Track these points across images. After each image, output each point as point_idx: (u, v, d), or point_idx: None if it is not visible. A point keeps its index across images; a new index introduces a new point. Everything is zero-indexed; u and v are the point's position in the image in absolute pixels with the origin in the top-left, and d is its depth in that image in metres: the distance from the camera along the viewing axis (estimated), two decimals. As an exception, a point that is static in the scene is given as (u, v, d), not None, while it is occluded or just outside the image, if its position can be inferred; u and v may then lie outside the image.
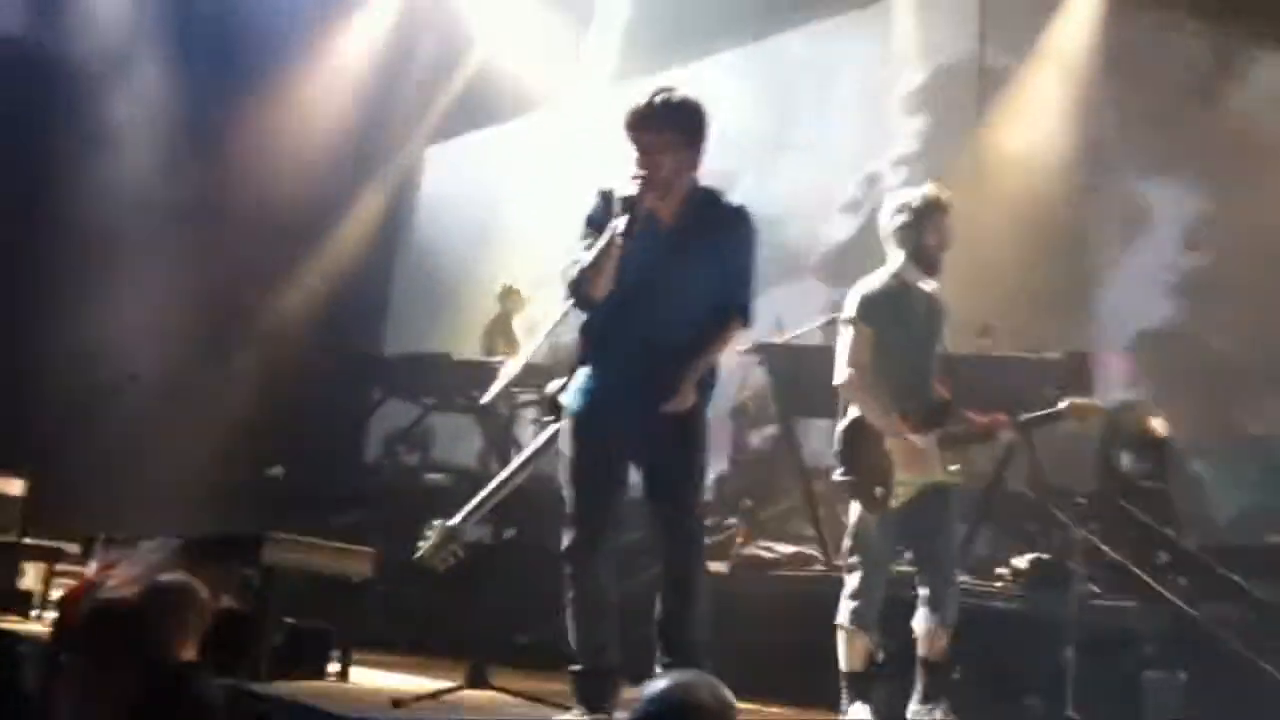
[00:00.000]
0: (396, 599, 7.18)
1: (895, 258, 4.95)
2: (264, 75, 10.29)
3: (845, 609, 4.83)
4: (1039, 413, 5.06)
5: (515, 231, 12.11)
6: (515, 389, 7.85)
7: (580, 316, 4.29)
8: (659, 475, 4.23)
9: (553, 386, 4.40)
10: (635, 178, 4.11)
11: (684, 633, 4.15)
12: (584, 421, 4.21)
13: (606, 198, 4.21)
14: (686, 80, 11.03)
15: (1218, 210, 9.59)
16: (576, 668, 4.20)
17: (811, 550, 6.92)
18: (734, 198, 4.39)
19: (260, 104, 10.40)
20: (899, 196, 5.01)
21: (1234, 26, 10.20)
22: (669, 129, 4.17)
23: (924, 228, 4.88)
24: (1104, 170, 9.77)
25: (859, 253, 8.80)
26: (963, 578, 6.30)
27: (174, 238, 9.36)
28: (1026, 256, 9.02)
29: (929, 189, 4.97)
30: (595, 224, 4.18)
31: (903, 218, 4.92)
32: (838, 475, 4.85)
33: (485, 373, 7.42)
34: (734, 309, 4.29)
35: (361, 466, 9.80)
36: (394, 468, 9.12)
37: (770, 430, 8.44)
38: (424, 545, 4.82)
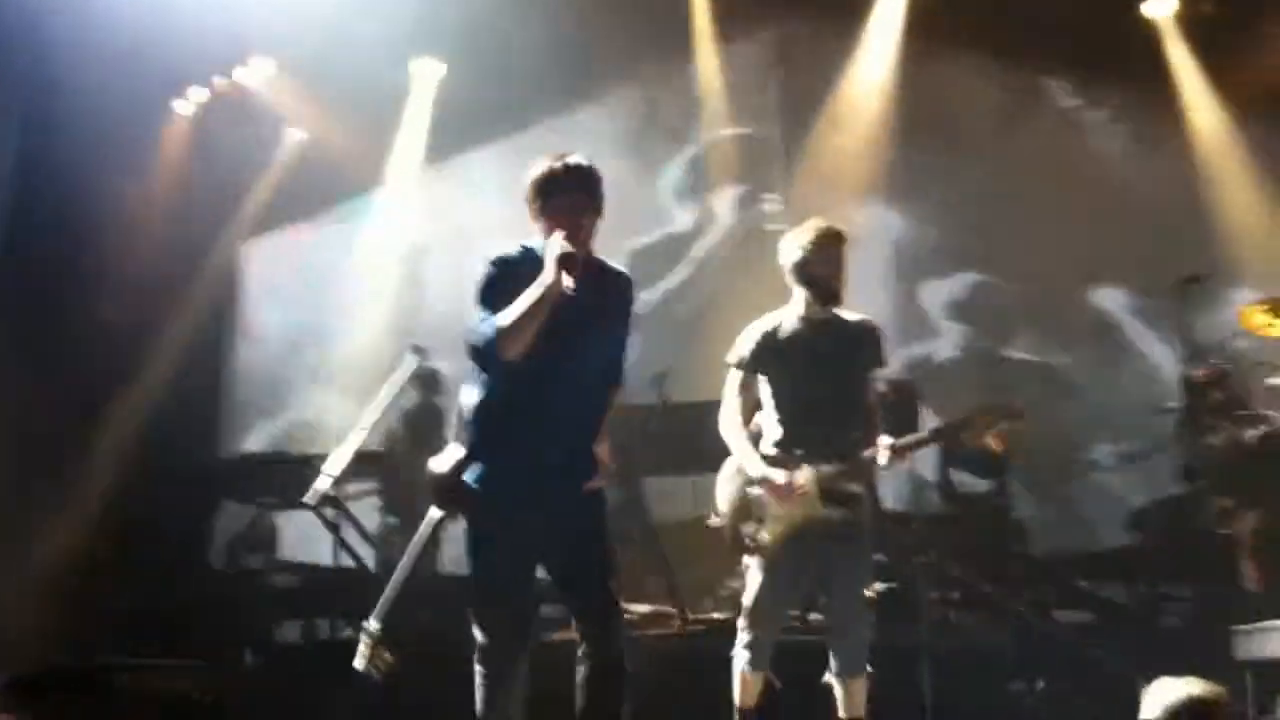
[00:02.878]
0: (249, 708, 6.94)
1: (796, 295, 5.01)
2: (70, 185, 10.00)
3: (738, 649, 4.93)
4: (933, 428, 5.23)
5: (340, 322, 11.99)
6: (346, 480, 7.69)
7: (474, 393, 4.17)
8: (583, 559, 4.13)
9: (439, 466, 4.21)
10: (569, 237, 4.06)
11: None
12: (495, 501, 4.08)
13: (505, 263, 4.15)
14: (501, 155, 11.22)
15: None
16: None
17: (667, 608, 6.87)
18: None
19: (70, 216, 10.10)
20: (789, 234, 5.09)
21: (1023, 64, 10.69)
22: (594, 191, 4.23)
23: (813, 260, 4.93)
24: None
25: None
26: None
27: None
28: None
29: (816, 222, 5.04)
30: (495, 291, 4.09)
31: (792, 253, 4.98)
32: (713, 519, 5.02)
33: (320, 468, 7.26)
34: (617, 374, 4.34)
35: (205, 574, 9.48)
36: (236, 572, 8.86)
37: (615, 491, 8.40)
38: (359, 657, 4.62)
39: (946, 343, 10.78)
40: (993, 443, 7.44)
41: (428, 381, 9.66)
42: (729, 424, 5.01)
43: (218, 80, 11.22)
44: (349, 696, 6.60)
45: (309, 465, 7.77)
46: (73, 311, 9.97)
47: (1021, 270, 10.59)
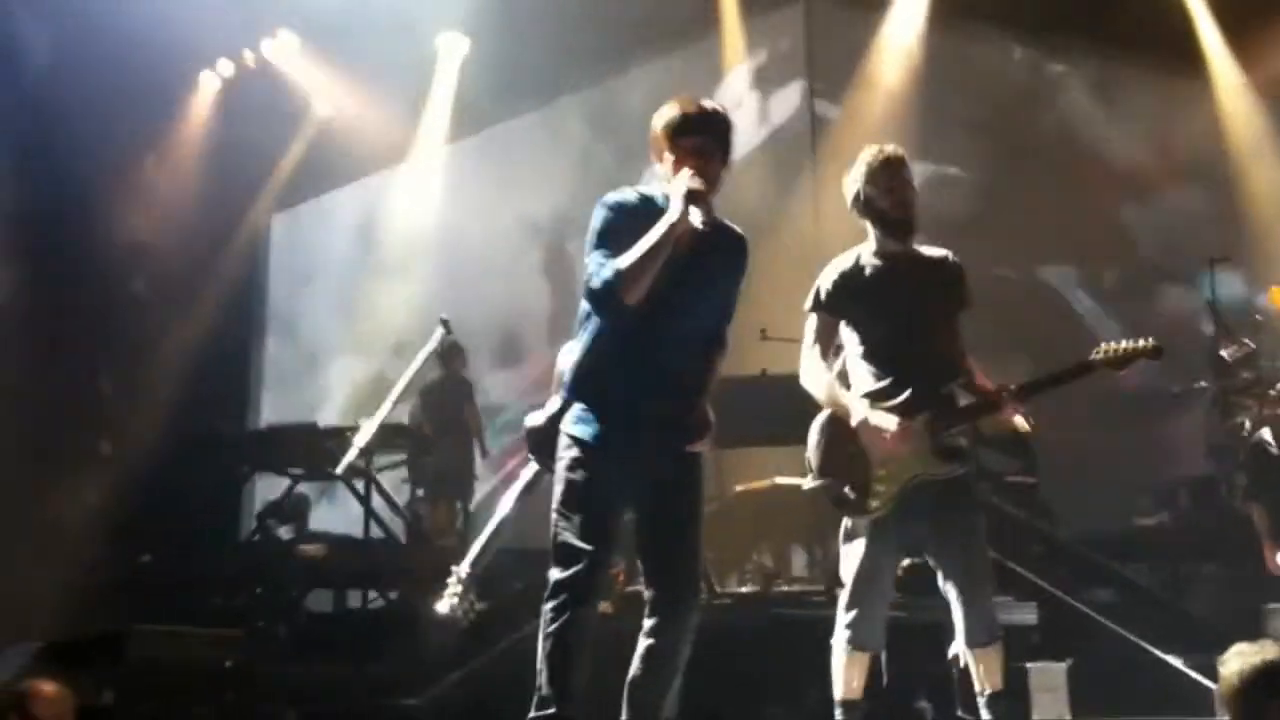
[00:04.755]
0: (280, 677, 6.99)
1: (868, 231, 4.59)
2: (98, 161, 10.04)
3: (838, 628, 4.44)
4: (1083, 361, 4.38)
5: (367, 295, 12.04)
6: (375, 451, 7.75)
7: (577, 346, 4.02)
8: (675, 520, 3.96)
9: (535, 419, 4.11)
10: (696, 175, 3.89)
11: (661, 704, 3.89)
12: (595, 450, 3.92)
13: (622, 207, 4.00)
14: (527, 129, 11.20)
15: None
16: (547, 713, 3.81)
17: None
18: None
19: (98, 189, 10.15)
20: (849, 172, 4.61)
21: (1046, 41, 10.66)
22: (722, 134, 4.06)
23: (873, 192, 4.50)
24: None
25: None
26: (840, 591, 6.41)
27: (16, 330, 9.04)
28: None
29: (869, 149, 4.59)
30: (612, 234, 3.93)
31: (850, 188, 4.56)
32: (808, 481, 4.55)
33: (351, 440, 7.32)
34: (721, 337, 4.13)
35: (234, 544, 9.55)
36: (267, 542, 8.92)
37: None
38: (445, 598, 4.49)
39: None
40: (1020, 423, 7.34)
41: (452, 354, 9.71)
42: (815, 373, 4.51)
43: (244, 54, 11.26)
44: (379, 665, 6.71)
45: (339, 437, 7.84)
46: (102, 285, 10.05)
47: (1037, 245, 10.60)
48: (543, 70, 10.76)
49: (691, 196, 3.85)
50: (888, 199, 4.49)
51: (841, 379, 4.54)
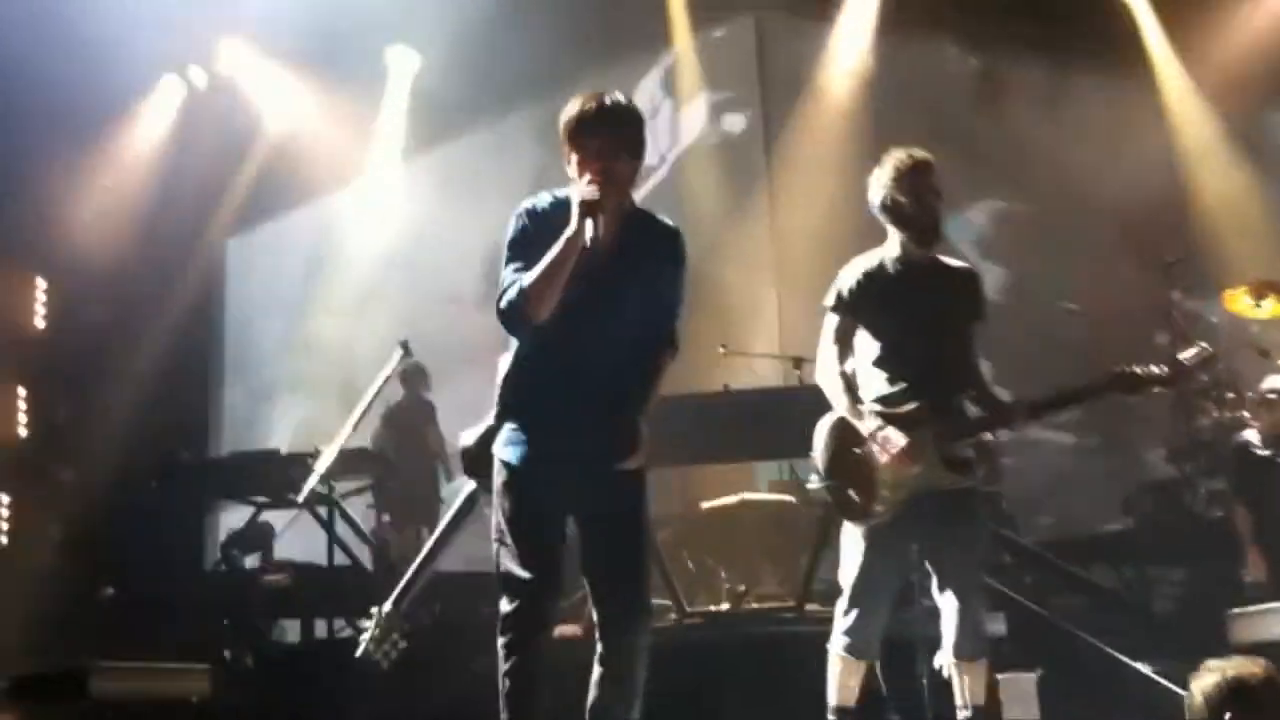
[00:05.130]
0: (248, 710, 6.92)
1: (890, 234, 4.54)
2: (49, 183, 9.94)
3: (835, 634, 4.43)
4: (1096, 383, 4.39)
5: (323, 319, 11.96)
6: (337, 477, 7.69)
7: (506, 358, 3.89)
8: (613, 541, 3.81)
9: (467, 438, 3.99)
10: (593, 182, 3.71)
11: None
12: (524, 473, 3.80)
13: (534, 214, 3.84)
14: (481, 144, 11.15)
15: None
16: None
17: (663, 601, 6.85)
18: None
19: (50, 214, 10.05)
20: (874, 172, 4.57)
21: (994, 45, 10.73)
22: (627, 128, 3.84)
23: (900, 197, 4.45)
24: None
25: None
26: (810, 605, 6.44)
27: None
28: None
29: (895, 153, 4.54)
30: (524, 246, 3.79)
31: (876, 193, 4.52)
32: (812, 481, 4.57)
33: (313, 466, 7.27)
34: (667, 339, 3.97)
35: (199, 574, 9.44)
36: (231, 572, 8.82)
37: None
38: (365, 639, 4.37)
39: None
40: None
41: (414, 376, 9.65)
42: (829, 374, 4.48)
43: (196, 67, 11.17)
44: (347, 696, 6.64)
45: (301, 463, 7.77)
46: (55, 311, 9.94)
47: (997, 249, 10.65)
48: (494, 85, 10.72)
49: (585, 208, 3.68)
50: (916, 205, 4.45)
51: (851, 383, 4.54)
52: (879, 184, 4.52)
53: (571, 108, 3.84)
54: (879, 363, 4.46)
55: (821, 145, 10.36)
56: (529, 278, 3.71)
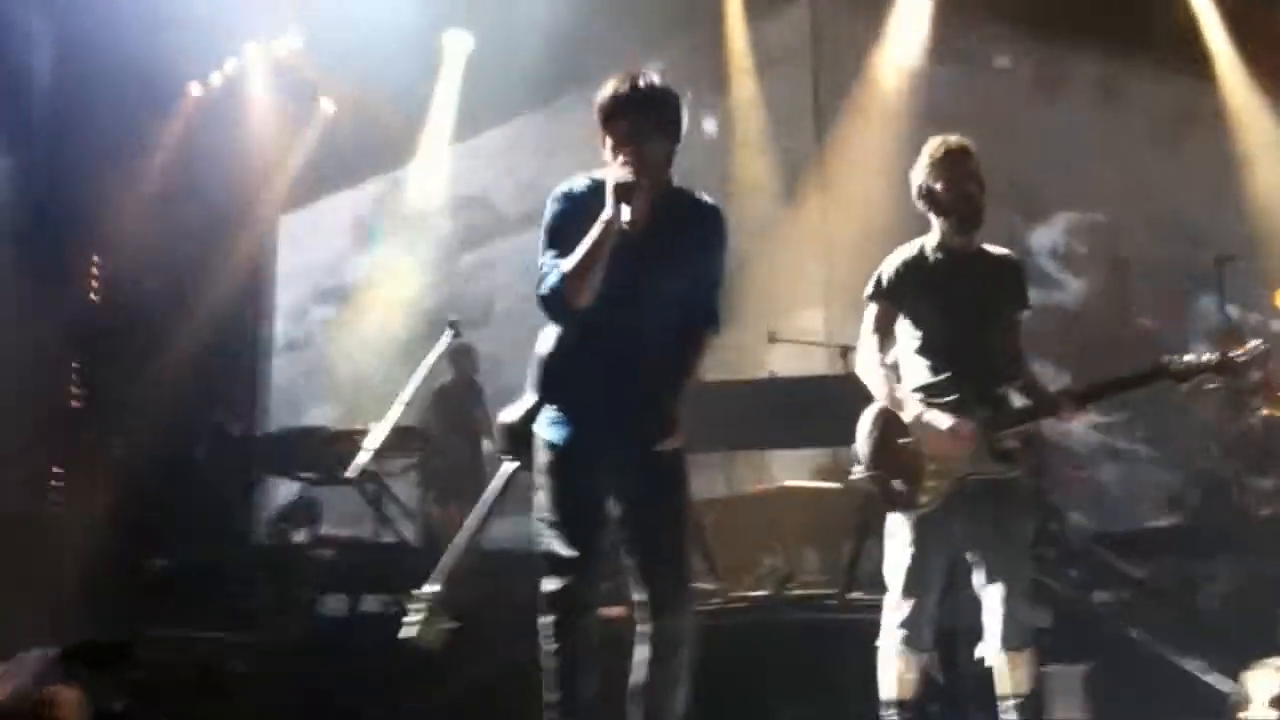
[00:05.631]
0: (293, 680, 6.99)
1: (932, 223, 4.51)
2: (103, 161, 10.04)
3: (887, 628, 4.38)
4: (1144, 371, 4.33)
5: (377, 295, 12.04)
6: (385, 455, 7.73)
7: (547, 338, 3.88)
8: (653, 525, 3.79)
9: (508, 416, 3.97)
10: (627, 164, 3.68)
11: (668, 709, 3.78)
12: (567, 454, 3.81)
13: (570, 198, 3.84)
14: (530, 128, 11.18)
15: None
16: None
17: (707, 585, 6.86)
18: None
19: (104, 190, 10.16)
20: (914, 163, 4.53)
21: (1052, 37, 10.65)
22: (659, 113, 3.81)
23: (935, 185, 4.42)
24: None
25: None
26: (854, 594, 6.43)
27: (20, 334, 9.04)
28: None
29: (933, 140, 4.51)
30: (562, 231, 3.77)
31: (915, 181, 4.49)
32: (856, 471, 4.47)
33: (361, 443, 7.32)
34: (708, 318, 3.94)
35: (247, 548, 9.55)
36: (280, 546, 8.92)
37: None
38: (412, 622, 4.38)
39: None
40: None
41: (462, 357, 9.70)
42: (870, 363, 4.45)
43: (248, 51, 11.26)
44: (391, 670, 6.70)
45: (350, 440, 7.82)
46: (113, 285, 10.06)
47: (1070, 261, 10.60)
48: (543, 68, 10.72)
49: (619, 191, 3.65)
50: (950, 192, 4.42)
51: (892, 370, 4.50)
52: (916, 173, 4.50)
53: (604, 90, 3.82)
54: (921, 351, 4.43)
55: (874, 133, 10.29)
56: (567, 263, 3.71)
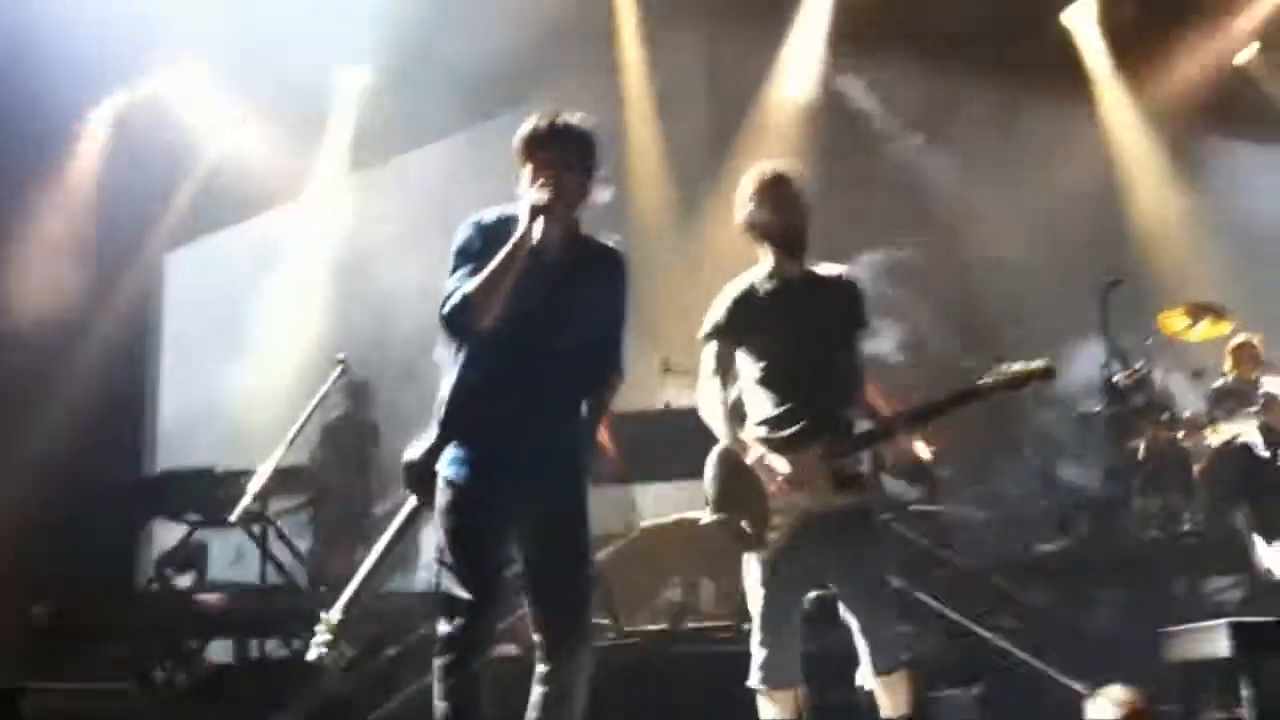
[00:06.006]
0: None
1: (761, 253, 4.51)
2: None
3: (753, 668, 4.37)
4: (979, 384, 4.35)
5: (266, 333, 11.86)
6: (272, 496, 7.59)
7: (449, 375, 3.88)
8: (554, 565, 3.83)
9: (411, 453, 3.95)
10: (544, 187, 3.80)
11: None
12: (467, 494, 3.81)
13: (481, 227, 3.91)
14: (420, 162, 11.10)
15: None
16: None
17: (602, 619, 6.81)
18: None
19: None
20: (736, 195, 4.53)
21: (949, 65, 10.84)
22: (578, 147, 3.95)
23: (760, 214, 4.43)
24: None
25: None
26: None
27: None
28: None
29: (753, 170, 4.51)
30: (471, 254, 3.86)
31: (739, 211, 4.49)
32: (706, 515, 4.42)
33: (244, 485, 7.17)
34: (614, 362, 4.04)
35: (131, 594, 9.31)
36: (165, 592, 8.70)
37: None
38: (318, 643, 4.31)
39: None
40: (922, 451, 7.33)
41: (356, 394, 9.58)
42: (711, 404, 4.40)
43: (137, 85, 11.06)
44: (281, 715, 6.57)
45: (236, 481, 7.67)
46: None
47: (947, 272, 10.72)
48: (444, 100, 10.67)
49: (534, 210, 3.77)
50: (775, 219, 4.43)
51: (737, 408, 4.47)
52: (740, 204, 4.51)
53: (525, 126, 3.95)
54: (761, 383, 4.43)
55: (769, 158, 10.37)
56: (473, 283, 3.76)
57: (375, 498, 9.49)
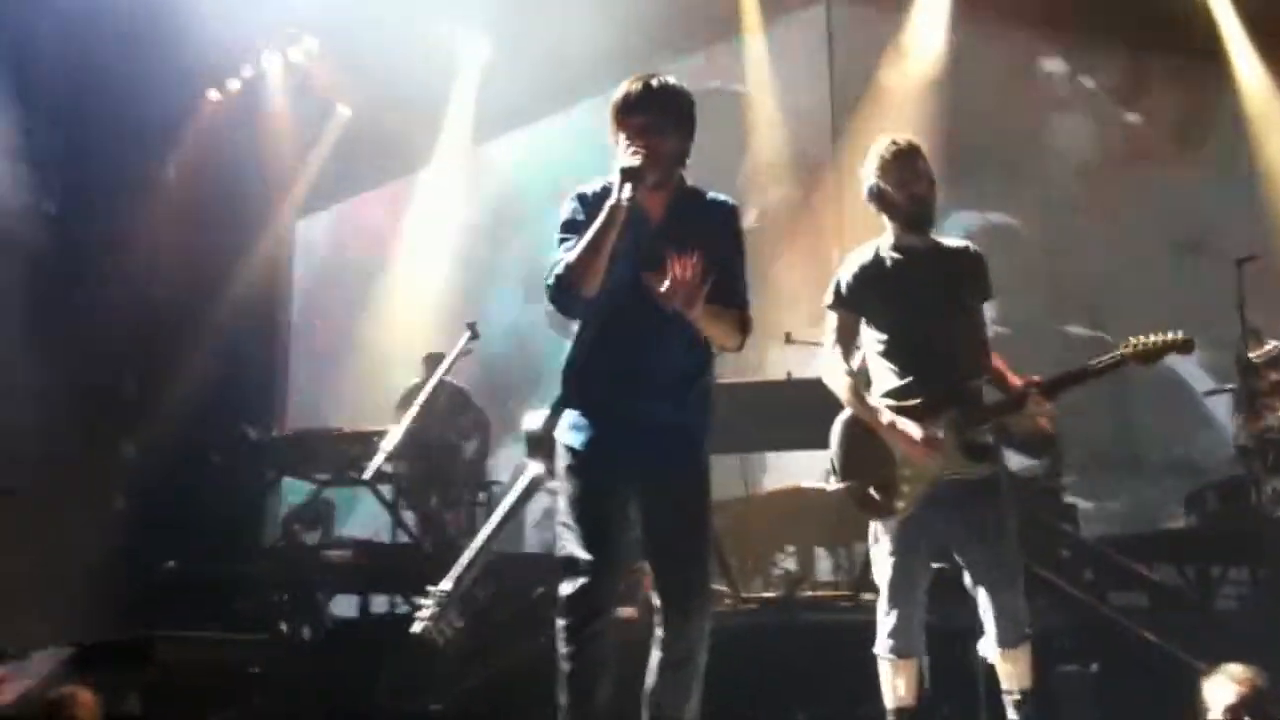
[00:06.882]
0: (306, 681, 7.00)
1: (885, 224, 4.50)
2: (121, 167, 10.09)
3: (880, 637, 4.37)
4: (1103, 360, 4.28)
5: (392, 298, 12.07)
6: (401, 457, 7.73)
7: (563, 329, 3.95)
8: (674, 529, 3.80)
9: (531, 422, 3.99)
10: (635, 153, 3.75)
11: (681, 712, 3.78)
12: (587, 458, 3.82)
13: (584, 198, 3.89)
14: (549, 133, 11.20)
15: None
16: None
17: (719, 587, 6.83)
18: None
19: (121, 195, 10.20)
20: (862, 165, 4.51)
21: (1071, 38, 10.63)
22: (671, 110, 3.88)
23: (886, 185, 4.41)
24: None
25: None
26: (867, 595, 6.39)
27: (40, 338, 9.08)
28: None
29: (881, 140, 4.50)
30: (573, 227, 3.83)
31: (865, 182, 4.47)
32: (831, 483, 4.46)
33: (377, 445, 7.33)
34: (736, 301, 3.90)
35: (260, 549, 9.58)
36: (292, 548, 8.94)
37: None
38: (423, 618, 4.43)
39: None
40: (1044, 422, 7.22)
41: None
42: (836, 372, 4.39)
43: (266, 57, 11.31)
44: (403, 671, 6.71)
45: (365, 441, 7.84)
46: (127, 289, 10.09)
47: (1063, 248, 10.55)
48: (564, 73, 10.73)
49: (625, 174, 3.73)
50: (901, 191, 4.41)
51: (862, 376, 4.45)
52: (866, 175, 4.48)
53: (619, 89, 3.88)
54: (885, 355, 4.40)
55: (889, 132, 10.27)
56: (573, 253, 3.75)
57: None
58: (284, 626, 8.06)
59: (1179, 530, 8.30)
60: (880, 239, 4.51)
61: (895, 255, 4.45)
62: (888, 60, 10.74)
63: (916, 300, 4.37)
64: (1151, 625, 6.28)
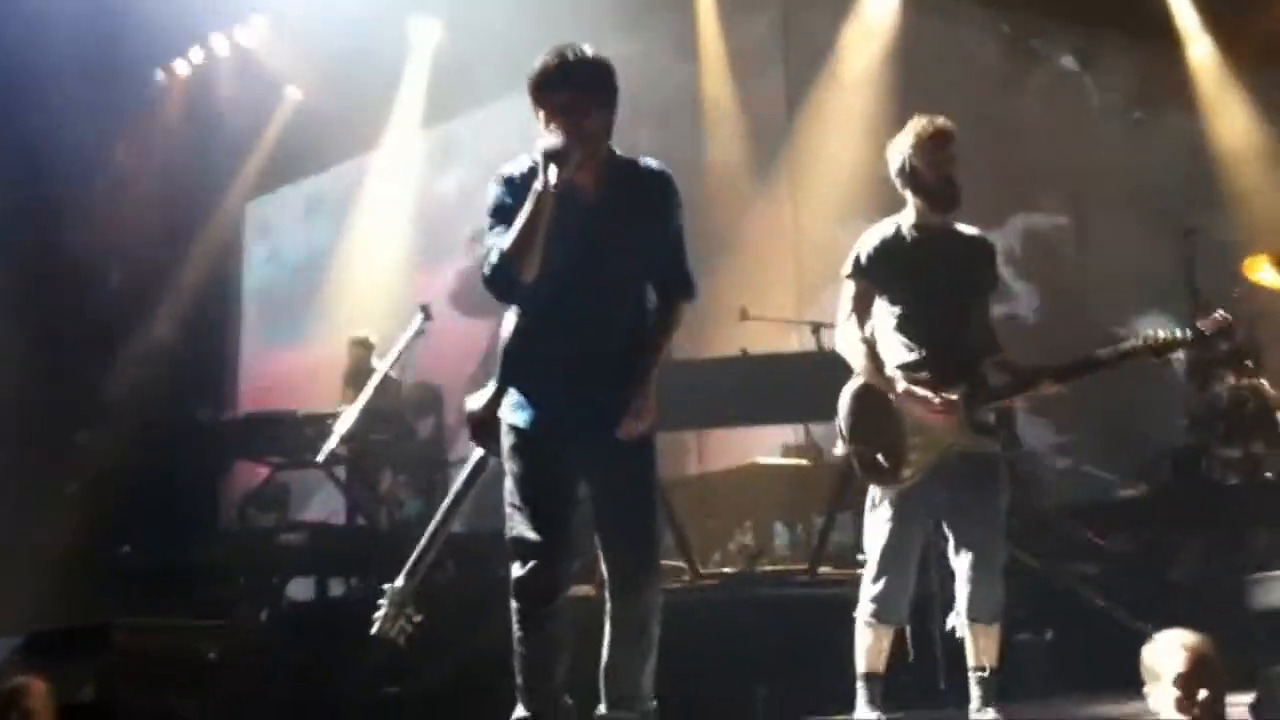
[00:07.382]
0: (263, 667, 6.96)
1: (908, 202, 4.53)
2: (70, 151, 9.97)
3: (863, 601, 4.40)
4: (1122, 347, 4.33)
5: (343, 280, 12.01)
6: (356, 439, 7.69)
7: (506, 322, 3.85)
8: (620, 504, 3.79)
9: (473, 403, 3.94)
10: (559, 134, 3.62)
11: (636, 686, 3.79)
12: (532, 437, 3.77)
13: (511, 181, 3.76)
14: (499, 115, 11.15)
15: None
16: (519, 715, 3.78)
17: (677, 563, 6.84)
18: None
19: (70, 181, 10.09)
20: (894, 139, 4.54)
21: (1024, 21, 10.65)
22: (592, 86, 3.74)
23: (920, 164, 4.43)
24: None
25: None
26: (824, 569, 6.45)
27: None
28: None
29: (916, 121, 4.50)
30: (502, 211, 3.71)
31: (895, 159, 4.49)
32: (839, 448, 4.50)
33: (330, 427, 7.30)
34: (680, 284, 3.89)
35: (215, 534, 9.51)
36: (248, 532, 8.88)
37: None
38: (378, 618, 4.39)
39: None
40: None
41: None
42: (851, 339, 4.46)
43: (214, 40, 11.20)
44: (360, 654, 6.68)
45: (319, 423, 7.80)
46: (77, 276, 10.00)
47: (1018, 228, 10.60)
48: (516, 55, 10.65)
49: (549, 157, 3.61)
50: (934, 172, 4.44)
51: (873, 344, 4.50)
52: (899, 150, 4.50)
53: (535, 65, 3.74)
54: (898, 329, 4.44)
55: (843, 112, 10.28)
56: (506, 239, 3.65)
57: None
58: (241, 611, 8.00)
59: (1132, 498, 8.37)
60: (901, 215, 4.55)
61: (916, 234, 4.49)
62: (842, 34, 10.73)
63: (934, 278, 4.44)
64: (1105, 593, 6.34)
